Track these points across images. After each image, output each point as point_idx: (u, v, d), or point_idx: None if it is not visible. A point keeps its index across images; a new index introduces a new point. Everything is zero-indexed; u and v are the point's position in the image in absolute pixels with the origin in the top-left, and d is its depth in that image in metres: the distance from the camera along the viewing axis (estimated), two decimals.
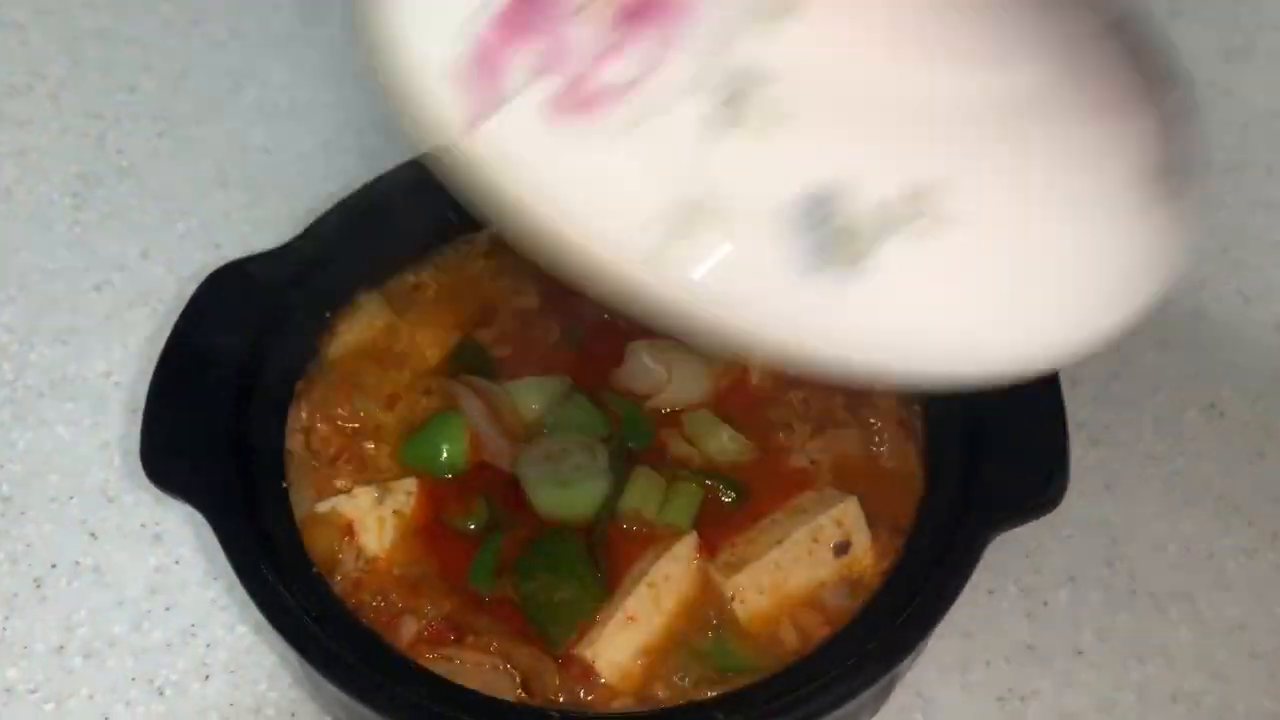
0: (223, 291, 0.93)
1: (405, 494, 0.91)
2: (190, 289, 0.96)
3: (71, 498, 1.08)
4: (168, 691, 0.97)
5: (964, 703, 0.97)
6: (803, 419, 0.97)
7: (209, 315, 0.92)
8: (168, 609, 1.01)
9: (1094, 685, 0.99)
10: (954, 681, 0.98)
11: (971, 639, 1.01)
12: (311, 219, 1.07)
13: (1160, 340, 1.22)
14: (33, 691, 0.97)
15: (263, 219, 1.30)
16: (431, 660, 0.81)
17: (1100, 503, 1.10)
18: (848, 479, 0.93)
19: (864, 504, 0.90)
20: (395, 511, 0.90)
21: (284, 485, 0.89)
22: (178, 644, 0.99)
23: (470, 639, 0.83)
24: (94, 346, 1.19)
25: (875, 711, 0.93)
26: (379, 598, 0.86)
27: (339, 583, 0.87)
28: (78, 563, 1.04)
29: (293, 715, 0.95)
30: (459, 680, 0.79)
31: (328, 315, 0.99)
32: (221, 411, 0.88)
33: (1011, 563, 1.05)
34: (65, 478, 1.09)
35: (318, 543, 0.88)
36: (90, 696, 0.97)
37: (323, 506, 0.90)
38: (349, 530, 0.89)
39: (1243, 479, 1.12)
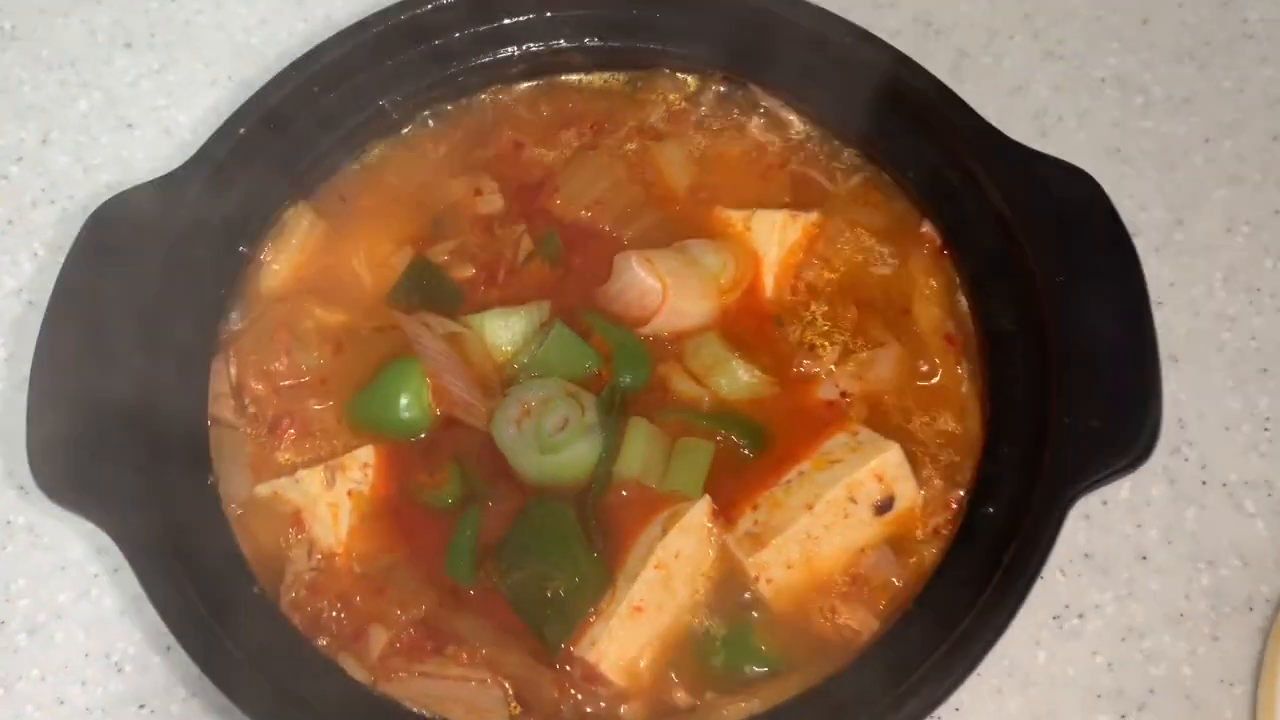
0: (111, 235, 0.76)
1: (361, 468, 0.77)
2: (103, 179, 0.78)
3: None
4: (127, 667, 0.87)
5: (1015, 623, 0.86)
6: (828, 338, 0.82)
7: (97, 269, 0.76)
8: (117, 570, 0.89)
9: (1160, 595, 0.88)
10: None
11: None
12: (239, 83, 0.87)
13: (1233, 173, 1.04)
14: None
15: (178, 85, 1.10)
16: (405, 680, 0.70)
17: (1165, 377, 0.95)
18: (886, 415, 0.79)
19: (907, 447, 0.76)
20: (350, 492, 0.77)
21: (210, 480, 0.74)
22: (132, 611, 0.88)
23: (451, 648, 0.72)
24: None
25: None
26: (338, 606, 0.73)
27: (289, 587, 0.74)
28: (9, 522, 0.92)
29: None
30: (440, 706, 0.67)
31: (243, 249, 0.83)
32: (125, 393, 0.73)
33: None
34: None
35: (260, 538, 0.76)
36: (41, 678, 0.86)
37: (263, 490, 0.77)
38: (297, 520, 0.76)
39: None
